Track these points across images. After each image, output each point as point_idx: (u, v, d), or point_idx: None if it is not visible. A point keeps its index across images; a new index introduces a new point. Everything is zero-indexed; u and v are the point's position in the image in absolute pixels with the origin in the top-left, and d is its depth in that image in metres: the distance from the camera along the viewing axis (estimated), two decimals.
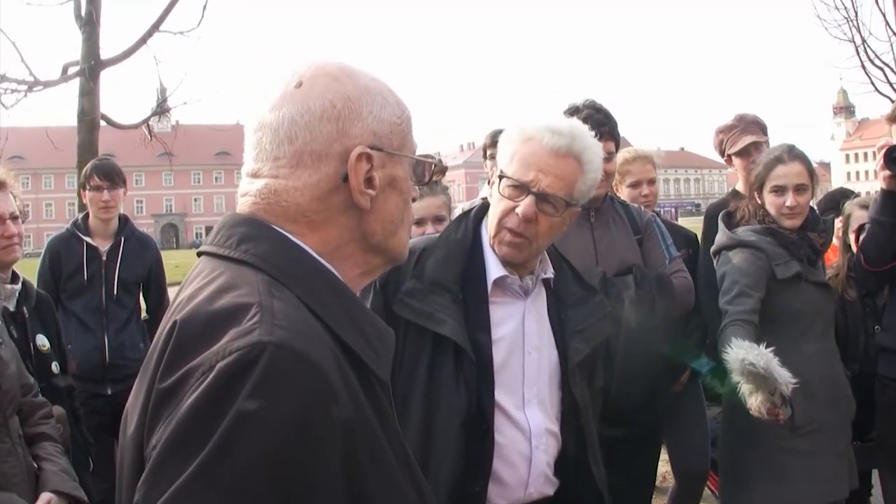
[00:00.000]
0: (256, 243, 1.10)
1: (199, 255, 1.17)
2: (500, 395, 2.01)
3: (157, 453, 0.92)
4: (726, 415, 3.36)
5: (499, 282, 2.07)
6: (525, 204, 2.01)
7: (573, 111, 3.26)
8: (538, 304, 2.16)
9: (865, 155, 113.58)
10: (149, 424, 0.97)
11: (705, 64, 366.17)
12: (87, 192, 4.40)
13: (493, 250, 2.09)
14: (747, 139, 4.20)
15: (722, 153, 4.41)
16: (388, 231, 1.21)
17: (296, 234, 1.14)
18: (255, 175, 1.18)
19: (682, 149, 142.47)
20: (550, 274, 2.18)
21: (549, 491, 2.09)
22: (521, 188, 2.03)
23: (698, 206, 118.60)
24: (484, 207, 2.20)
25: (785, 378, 2.66)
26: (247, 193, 1.18)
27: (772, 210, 3.28)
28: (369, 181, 1.16)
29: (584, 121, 3.15)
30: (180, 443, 0.90)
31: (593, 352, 2.20)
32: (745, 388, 2.73)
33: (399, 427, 1.21)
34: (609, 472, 3.06)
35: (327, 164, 1.15)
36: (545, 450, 2.06)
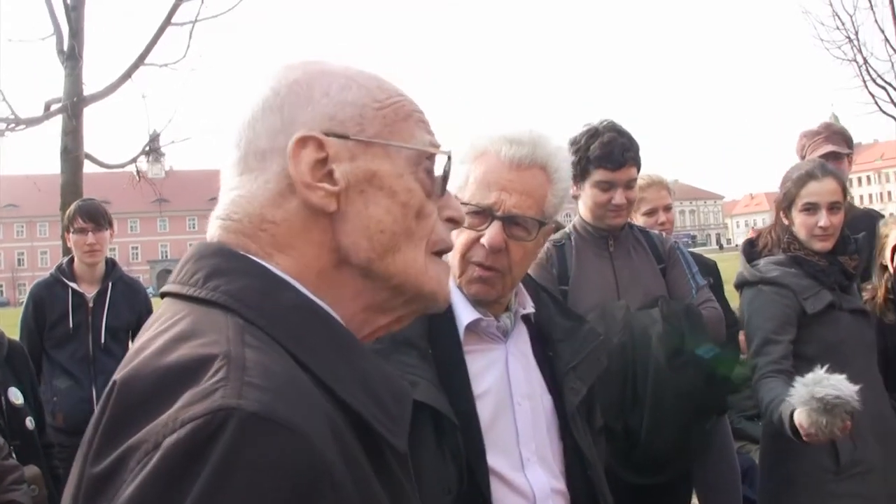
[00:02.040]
0: (229, 278, 0.86)
1: (161, 296, 0.92)
2: (493, 460, 1.73)
3: None
4: (765, 459, 3.14)
5: (472, 327, 1.79)
6: (491, 232, 1.75)
7: (592, 133, 3.07)
8: (521, 346, 1.89)
9: (860, 180, 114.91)
10: None
11: (697, 95, 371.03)
12: (70, 234, 4.23)
13: (461, 290, 1.81)
14: (829, 147, 4.17)
15: (802, 157, 4.32)
16: (381, 245, 0.93)
17: (262, 256, 0.90)
18: (220, 192, 0.97)
19: (676, 181, 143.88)
20: (531, 309, 1.91)
21: None
22: (483, 214, 1.76)
23: (694, 237, 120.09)
24: None
25: (852, 390, 2.44)
26: (216, 216, 0.96)
27: (802, 231, 3.04)
28: (329, 175, 0.91)
29: (607, 145, 2.98)
30: None
31: (590, 389, 1.94)
32: (812, 419, 2.45)
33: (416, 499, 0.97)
34: None
35: (272, 161, 0.92)
36: None
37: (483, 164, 1.79)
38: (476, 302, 1.81)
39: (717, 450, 3.85)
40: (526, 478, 1.77)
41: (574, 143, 3.10)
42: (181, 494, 0.65)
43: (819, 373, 2.52)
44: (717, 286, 4.02)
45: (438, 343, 1.76)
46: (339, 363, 0.85)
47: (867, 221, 4.13)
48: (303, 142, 0.91)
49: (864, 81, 17.03)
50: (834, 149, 4.17)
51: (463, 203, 1.73)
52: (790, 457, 2.90)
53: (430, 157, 0.99)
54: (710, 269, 4.08)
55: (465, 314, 1.80)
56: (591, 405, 2.02)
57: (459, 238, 1.76)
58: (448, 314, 1.79)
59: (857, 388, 2.45)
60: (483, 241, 1.75)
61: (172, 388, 0.72)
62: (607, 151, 2.98)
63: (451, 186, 1.70)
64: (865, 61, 16.92)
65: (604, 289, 3.00)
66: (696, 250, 6.03)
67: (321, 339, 0.86)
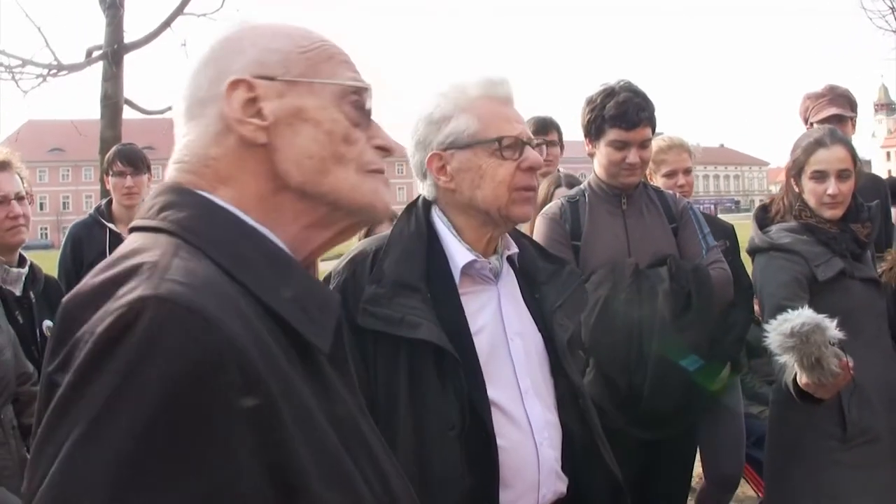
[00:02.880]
0: (177, 209, 1.01)
1: (129, 231, 1.05)
2: (493, 393, 1.82)
3: (39, 433, 0.83)
4: (772, 426, 3.13)
5: (467, 269, 1.90)
6: (534, 155, 1.91)
7: (608, 93, 3.09)
8: (510, 287, 2.00)
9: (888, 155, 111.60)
10: (37, 414, 0.87)
11: (746, 60, 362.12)
12: (110, 177, 4.31)
13: (455, 236, 1.92)
14: (832, 110, 4.11)
15: (805, 120, 4.28)
16: (312, 169, 1.06)
17: (208, 189, 1.04)
18: (176, 140, 1.11)
19: (722, 145, 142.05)
20: (515, 250, 2.03)
21: (562, 488, 1.91)
22: (515, 144, 1.88)
23: (738, 203, 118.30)
24: (428, 200, 2.01)
25: (828, 322, 2.46)
26: (171, 161, 1.10)
27: (811, 199, 3.01)
28: (259, 112, 1.05)
29: (622, 104, 3.01)
30: (60, 418, 0.80)
31: (576, 328, 2.07)
32: (801, 361, 2.48)
33: (359, 408, 1.12)
34: (643, 477, 2.96)
35: (211, 107, 1.06)
36: (550, 444, 1.88)
37: (483, 105, 1.89)
38: (515, 223, 1.99)
39: (725, 411, 3.87)
40: (524, 409, 1.86)
41: (590, 101, 3.13)
42: (105, 372, 0.78)
43: (783, 314, 2.53)
44: (733, 249, 4.00)
45: (435, 285, 1.85)
46: (268, 276, 0.98)
47: (872, 187, 4.07)
48: (234, 85, 1.04)
49: None
50: (837, 111, 4.10)
51: (501, 137, 1.86)
52: (797, 423, 2.92)
53: (356, 92, 1.12)
54: (726, 232, 4.07)
55: (461, 257, 1.89)
56: (575, 344, 2.14)
57: (501, 171, 1.86)
58: (442, 258, 1.90)
59: (831, 320, 2.46)
60: (527, 164, 1.88)
61: (109, 292, 0.85)
62: (622, 111, 3.00)
63: (461, 135, 1.85)
64: None
65: (615, 246, 3.04)
66: (738, 216, 6.01)
67: (252, 256, 0.99)
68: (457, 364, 1.77)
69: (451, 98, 1.90)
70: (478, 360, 1.82)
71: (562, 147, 4.69)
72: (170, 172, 1.08)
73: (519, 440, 1.83)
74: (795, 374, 2.56)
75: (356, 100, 1.12)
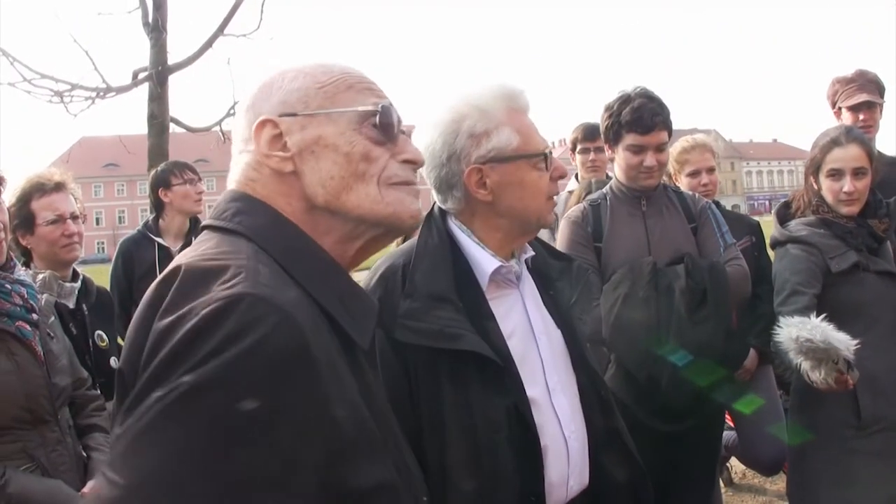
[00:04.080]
0: (248, 216, 1.20)
1: (202, 228, 1.25)
2: (529, 391, 1.88)
3: (140, 384, 0.98)
4: (793, 413, 3.21)
5: (493, 276, 1.94)
6: (560, 163, 1.99)
7: (624, 100, 3.19)
8: (530, 288, 2.07)
9: None
10: (146, 359, 1.02)
11: (796, 54, 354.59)
12: (172, 189, 4.48)
13: (478, 244, 1.97)
14: (862, 96, 4.11)
15: (833, 104, 4.30)
16: (335, 189, 1.22)
17: (269, 204, 1.23)
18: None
19: (776, 140, 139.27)
20: (532, 253, 2.10)
21: (587, 479, 1.98)
22: (546, 157, 1.96)
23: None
24: (443, 211, 2.05)
25: (845, 343, 2.54)
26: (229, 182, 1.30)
27: (828, 196, 3.11)
28: (284, 146, 1.23)
29: (637, 110, 3.11)
30: (160, 377, 0.96)
31: (595, 323, 2.14)
32: (805, 365, 2.59)
33: (383, 405, 1.27)
34: (665, 470, 3.02)
35: (251, 144, 1.26)
36: (576, 437, 1.95)
37: (517, 118, 1.94)
38: (534, 234, 2.07)
39: (760, 396, 3.91)
40: (552, 404, 1.92)
41: (608, 108, 3.24)
42: (205, 343, 0.95)
43: (809, 318, 2.63)
44: (759, 244, 4.07)
45: (464, 294, 1.89)
46: (323, 282, 1.17)
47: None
48: (262, 125, 1.24)
49: None
50: (868, 98, 4.10)
51: (546, 153, 1.95)
52: (813, 411, 3.00)
53: (375, 113, 1.26)
54: (752, 229, 4.16)
55: (489, 263, 1.94)
56: (594, 338, 2.23)
57: (542, 182, 1.95)
58: (466, 267, 1.95)
59: (852, 341, 2.53)
60: (557, 173, 1.98)
61: (211, 281, 1.04)
62: (637, 116, 3.10)
63: (504, 150, 1.91)
64: None
65: (636, 246, 3.14)
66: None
67: (311, 264, 1.18)
68: (501, 370, 1.82)
69: (483, 112, 1.92)
70: (514, 363, 1.87)
71: None
72: (235, 183, 1.28)
73: (553, 435, 1.88)
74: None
75: (375, 120, 1.26)
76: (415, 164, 1.32)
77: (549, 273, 2.14)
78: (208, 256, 1.11)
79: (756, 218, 4.69)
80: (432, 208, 2.07)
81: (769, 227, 4.17)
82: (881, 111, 4.21)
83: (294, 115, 1.23)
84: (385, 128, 1.27)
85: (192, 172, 4.52)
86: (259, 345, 0.96)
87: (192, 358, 0.95)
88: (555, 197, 2.05)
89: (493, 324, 1.89)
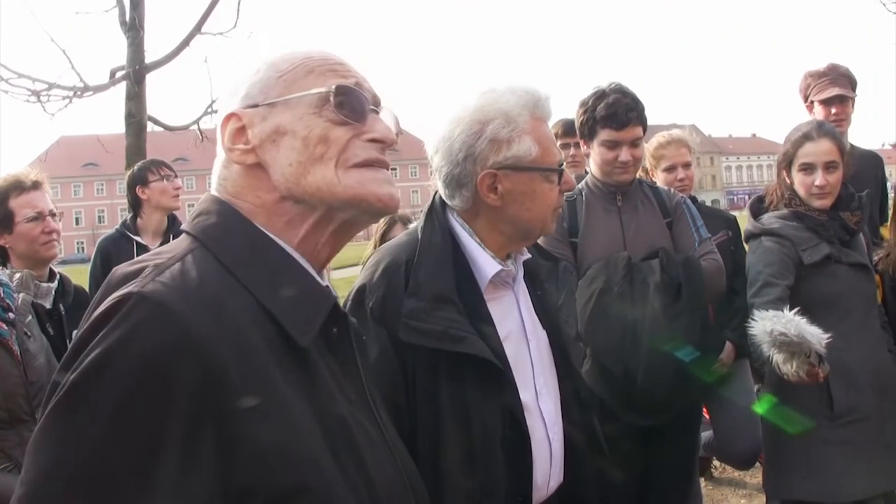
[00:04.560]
0: (206, 217, 1.20)
1: (180, 233, 1.27)
2: (522, 396, 1.87)
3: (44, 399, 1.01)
4: (766, 404, 3.24)
5: (492, 277, 1.93)
6: (570, 177, 1.98)
7: (599, 95, 3.22)
8: (523, 288, 2.06)
9: None
10: None
11: (774, 49, 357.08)
12: (150, 186, 4.49)
13: (480, 244, 1.95)
14: (834, 90, 4.16)
15: (805, 98, 4.34)
16: (293, 173, 1.20)
17: (232, 203, 1.22)
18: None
19: (754, 135, 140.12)
20: (528, 255, 2.08)
21: (562, 477, 1.99)
22: (559, 172, 1.94)
23: None
24: (444, 203, 2.01)
25: (817, 336, 2.58)
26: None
27: (801, 190, 3.16)
28: (245, 138, 1.22)
29: (612, 105, 3.14)
30: (54, 384, 0.99)
31: (591, 327, 2.15)
32: (777, 357, 2.63)
33: (359, 400, 1.24)
34: (645, 464, 3.06)
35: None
36: (558, 438, 1.96)
37: (539, 128, 1.92)
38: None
39: (736, 392, 4.00)
40: (539, 407, 1.92)
41: (583, 104, 3.27)
42: (91, 345, 0.96)
43: (783, 311, 2.67)
44: (735, 238, 4.11)
45: (465, 295, 1.87)
46: (266, 275, 1.15)
47: (868, 163, 4.15)
48: (226, 119, 1.24)
49: None
50: (840, 92, 4.15)
51: (552, 168, 1.91)
52: (787, 402, 3.03)
53: (340, 94, 1.22)
54: (728, 223, 4.21)
55: (489, 266, 1.92)
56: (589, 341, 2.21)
57: (551, 195, 1.93)
58: (466, 267, 1.93)
59: (824, 334, 2.58)
60: (566, 186, 1.97)
61: (121, 284, 1.05)
62: (612, 112, 3.13)
63: (523, 159, 1.88)
64: None
65: (611, 242, 3.16)
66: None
67: (255, 258, 1.16)
68: (499, 373, 1.81)
69: (513, 119, 1.88)
70: (510, 367, 1.86)
71: None
72: (213, 187, 1.30)
73: (538, 439, 1.89)
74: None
75: (341, 100, 1.22)
76: (383, 143, 1.27)
77: (538, 273, 2.15)
78: (139, 260, 1.14)
79: (735, 213, 4.74)
80: (433, 201, 2.04)
81: (746, 221, 4.23)
82: (853, 105, 4.25)
83: (255, 106, 1.23)
84: (345, 107, 1.22)
85: (168, 169, 4.53)
86: (120, 342, 0.96)
87: (76, 359, 0.97)
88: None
89: (491, 326, 1.88)
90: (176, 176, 4.56)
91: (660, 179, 4.12)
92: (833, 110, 4.14)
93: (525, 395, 1.88)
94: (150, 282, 1.02)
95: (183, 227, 1.24)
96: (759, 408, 3.36)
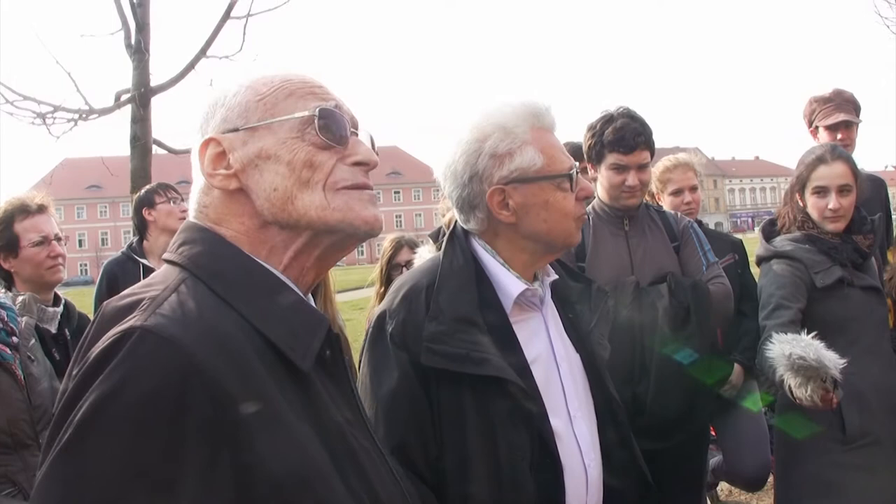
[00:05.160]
0: (192, 246, 1.18)
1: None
2: (553, 420, 1.82)
3: (50, 431, 0.99)
4: (778, 428, 3.21)
5: (517, 298, 1.89)
6: (587, 183, 1.94)
7: (607, 119, 3.22)
8: (552, 311, 2.02)
9: None
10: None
11: (776, 72, 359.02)
12: (156, 208, 4.51)
13: (503, 265, 1.92)
14: (840, 116, 4.17)
15: (810, 123, 4.35)
16: (278, 199, 1.19)
17: (215, 230, 1.21)
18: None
19: (757, 157, 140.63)
20: (554, 276, 2.05)
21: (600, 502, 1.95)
22: (571, 176, 1.90)
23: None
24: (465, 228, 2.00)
25: (834, 361, 2.55)
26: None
27: (814, 213, 3.15)
28: (227, 164, 1.21)
29: (620, 130, 3.14)
30: (54, 429, 0.97)
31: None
32: (791, 381, 2.60)
33: (355, 418, 1.24)
34: (652, 488, 3.02)
35: (199, 165, 1.25)
36: (596, 464, 1.91)
37: (543, 137, 1.89)
38: (567, 249, 2.00)
39: (745, 413, 3.96)
40: (573, 432, 1.87)
41: (590, 128, 3.27)
42: (97, 382, 0.94)
43: (801, 335, 2.64)
44: (742, 262, 4.11)
45: (489, 317, 1.84)
46: (260, 301, 1.13)
47: (872, 186, 4.11)
48: (205, 144, 1.22)
49: None
50: (845, 117, 4.16)
51: (571, 174, 1.87)
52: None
53: (315, 117, 1.21)
54: (735, 246, 4.20)
55: (514, 286, 1.89)
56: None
57: (568, 204, 1.88)
58: (490, 289, 1.90)
59: (841, 360, 2.55)
60: (584, 193, 1.91)
61: (117, 319, 1.03)
62: (620, 136, 3.13)
63: (528, 170, 1.85)
64: None
65: (619, 266, 3.15)
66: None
67: (247, 285, 1.15)
68: (525, 396, 1.77)
69: (511, 131, 1.86)
70: (538, 390, 1.83)
71: None
72: (191, 214, 1.27)
73: (573, 464, 1.84)
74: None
75: (324, 123, 1.21)
76: (366, 165, 1.26)
77: (569, 295, 2.10)
78: (130, 292, 1.11)
79: (739, 235, 4.74)
80: (454, 227, 2.02)
81: (752, 244, 4.22)
82: (857, 130, 4.27)
83: (236, 130, 1.21)
84: (328, 131, 1.22)
85: (174, 192, 4.56)
86: (129, 378, 0.94)
87: (80, 398, 0.94)
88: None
89: (518, 349, 1.85)
90: (182, 199, 4.56)
91: (666, 203, 4.12)
92: (838, 136, 4.14)
93: (557, 419, 1.84)
94: (151, 315, 1.01)
95: (166, 256, 1.21)
96: (755, 405, 3.34)
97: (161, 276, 1.14)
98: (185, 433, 0.94)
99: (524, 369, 1.82)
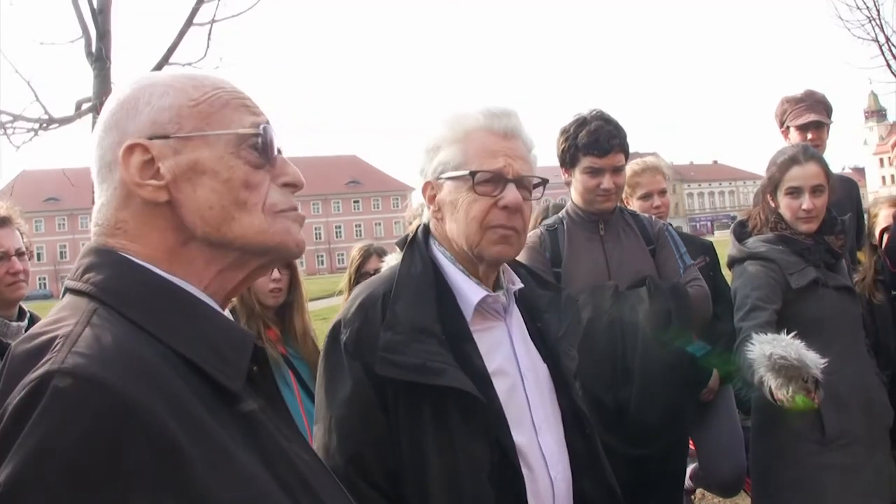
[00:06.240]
0: (97, 271, 1.08)
1: (63, 292, 1.13)
2: (514, 433, 1.78)
3: None
4: (755, 432, 3.24)
5: (478, 306, 1.85)
6: (511, 193, 1.81)
7: (580, 122, 3.20)
8: (517, 320, 1.97)
9: (883, 161, 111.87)
10: None
11: (733, 76, 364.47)
12: None
13: (462, 271, 1.88)
14: (811, 116, 4.21)
15: (781, 123, 4.38)
16: (216, 219, 1.11)
17: (120, 248, 1.10)
18: (95, 202, 1.16)
19: (716, 162, 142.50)
20: (520, 284, 1.98)
21: None
22: (495, 179, 1.81)
23: (734, 218, 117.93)
24: (427, 231, 1.97)
25: (815, 361, 2.55)
26: (93, 223, 1.16)
27: (787, 213, 3.15)
28: (157, 172, 1.10)
29: (594, 132, 3.12)
30: None
31: (581, 357, 2.06)
32: (772, 382, 2.59)
33: (293, 436, 1.17)
34: (634, 494, 3.00)
35: (116, 171, 1.12)
36: (563, 476, 1.87)
37: (478, 138, 1.83)
38: (491, 264, 1.88)
39: (721, 417, 3.99)
40: (539, 444, 1.84)
41: (564, 131, 3.24)
42: (19, 440, 0.85)
43: (781, 335, 2.64)
44: (713, 264, 4.12)
45: (448, 326, 1.80)
46: (181, 324, 1.05)
47: (844, 186, 4.17)
48: (130, 149, 1.10)
49: (887, 60, 16.51)
50: (816, 118, 4.20)
51: (480, 172, 1.80)
52: (777, 428, 3.01)
53: (256, 135, 1.15)
54: (705, 249, 4.21)
55: (473, 293, 1.85)
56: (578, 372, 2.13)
57: (475, 207, 1.81)
58: (450, 296, 1.86)
59: (821, 359, 2.55)
60: (504, 202, 1.80)
61: (30, 364, 0.93)
62: (594, 139, 3.11)
63: (447, 167, 1.83)
64: (888, 40, 16.40)
65: (595, 271, 3.14)
66: None
67: (164, 308, 1.05)
68: (483, 407, 1.74)
69: (445, 127, 1.87)
70: (499, 401, 1.79)
71: None
72: (92, 235, 1.15)
73: (537, 477, 1.81)
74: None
75: (255, 142, 1.15)
76: (295, 187, 1.21)
77: (537, 304, 2.05)
78: (38, 331, 1.00)
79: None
80: (415, 232, 1.98)
81: (720, 246, 4.24)
82: (828, 131, 4.32)
83: (166, 137, 1.11)
84: (264, 150, 1.16)
85: None
86: (56, 430, 0.85)
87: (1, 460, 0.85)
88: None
89: (478, 359, 1.81)
90: None
91: (635, 207, 4.12)
92: (809, 136, 4.18)
93: (520, 431, 1.81)
94: (68, 355, 0.91)
95: (70, 285, 1.09)
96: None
97: (69, 309, 1.03)
98: (126, 483, 0.86)
99: (484, 380, 1.78)
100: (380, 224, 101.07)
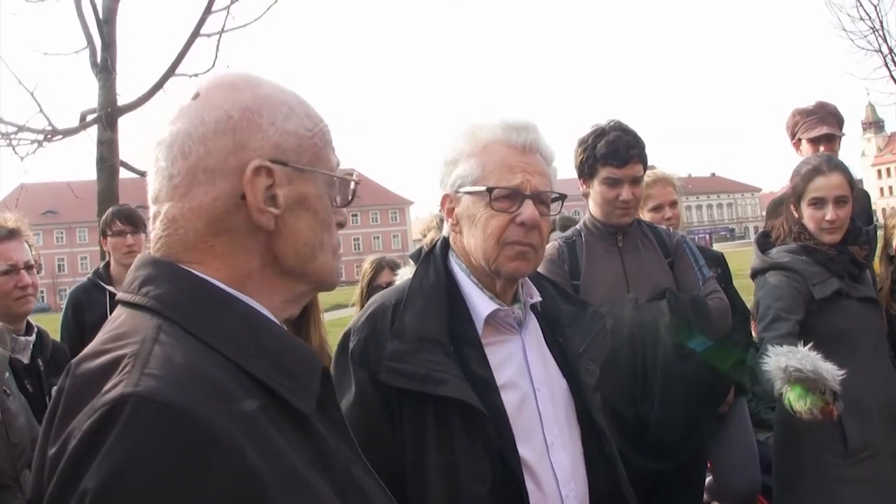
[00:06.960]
0: (157, 284, 1.04)
1: (116, 303, 1.10)
2: (521, 448, 1.76)
3: None
4: (777, 445, 3.21)
5: (490, 319, 1.84)
6: (528, 209, 1.79)
7: (599, 133, 3.18)
8: (534, 334, 1.94)
9: (886, 171, 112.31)
10: (34, 486, 0.93)
11: (731, 89, 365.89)
12: (108, 238, 4.31)
13: (477, 284, 1.87)
14: (823, 129, 4.18)
15: (793, 135, 4.35)
16: (304, 255, 1.12)
17: (196, 262, 1.06)
18: (155, 199, 1.10)
19: (714, 174, 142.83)
20: (538, 298, 1.96)
21: None
22: (512, 196, 1.80)
23: (732, 230, 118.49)
24: (447, 244, 1.96)
25: (832, 372, 2.52)
26: (154, 228, 1.11)
27: (810, 224, 3.13)
28: (272, 199, 1.07)
29: (612, 143, 3.09)
30: None
31: (602, 370, 2.02)
32: (791, 395, 2.56)
33: (352, 452, 1.16)
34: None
35: (223, 181, 1.06)
36: (575, 495, 1.82)
37: (496, 151, 1.82)
38: (508, 279, 1.86)
39: (735, 431, 3.94)
40: (550, 462, 1.81)
41: (582, 142, 3.22)
42: (94, 464, 0.83)
43: (797, 347, 2.61)
44: (725, 276, 4.08)
45: (458, 337, 1.80)
46: (247, 342, 1.02)
47: (858, 196, 4.18)
48: (257, 170, 1.06)
49: (890, 71, 16.61)
50: (829, 131, 4.18)
51: (497, 188, 1.79)
52: (799, 441, 2.98)
53: (350, 181, 1.19)
54: (717, 261, 4.15)
55: (484, 306, 1.84)
56: (602, 385, 2.10)
57: (492, 223, 1.80)
58: (463, 308, 1.85)
59: (839, 371, 2.52)
60: (521, 218, 1.79)
61: (98, 384, 0.90)
62: (613, 149, 3.09)
63: (465, 180, 1.82)
64: (891, 51, 16.49)
65: (614, 283, 3.10)
66: (734, 244, 6.03)
67: (231, 325, 1.02)
68: (485, 419, 1.72)
69: (464, 140, 1.86)
70: (506, 414, 1.77)
71: None
72: (154, 242, 1.11)
73: (545, 494, 1.78)
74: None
75: (348, 188, 1.18)
76: (342, 226, 1.23)
77: (560, 318, 2.01)
78: (97, 349, 0.97)
79: None
80: (433, 245, 1.98)
81: (731, 258, 4.20)
82: (840, 143, 4.30)
83: (286, 164, 1.09)
84: (352, 195, 1.20)
85: (122, 223, 4.28)
86: (134, 456, 0.83)
87: (73, 492, 0.83)
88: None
89: (486, 370, 1.79)
90: (136, 230, 4.29)
91: (646, 219, 4.07)
92: (821, 148, 4.16)
93: (529, 446, 1.79)
94: (141, 377, 0.89)
95: (124, 296, 1.06)
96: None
97: (131, 325, 1.00)
98: (205, 499, 0.84)
99: (490, 392, 1.76)
100: (378, 238, 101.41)
